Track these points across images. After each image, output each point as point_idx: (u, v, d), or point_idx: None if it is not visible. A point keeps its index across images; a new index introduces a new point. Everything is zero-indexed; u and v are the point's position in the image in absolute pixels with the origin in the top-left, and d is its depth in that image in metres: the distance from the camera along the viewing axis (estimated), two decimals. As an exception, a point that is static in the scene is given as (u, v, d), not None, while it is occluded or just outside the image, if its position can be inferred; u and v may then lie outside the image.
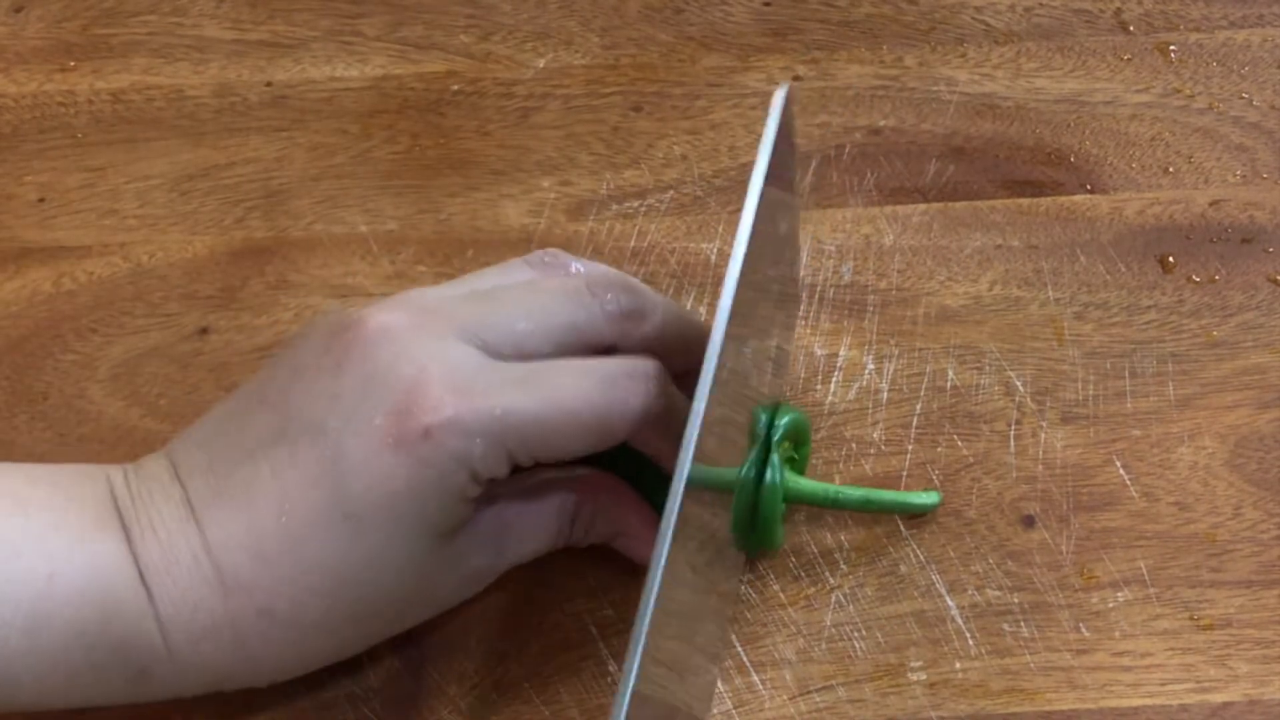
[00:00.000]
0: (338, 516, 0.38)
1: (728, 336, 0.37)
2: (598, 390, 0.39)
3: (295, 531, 0.38)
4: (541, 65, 0.57)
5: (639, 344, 0.42)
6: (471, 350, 0.39)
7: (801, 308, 0.52)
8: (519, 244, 0.54)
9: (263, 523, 0.38)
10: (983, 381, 0.50)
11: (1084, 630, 0.46)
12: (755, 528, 0.45)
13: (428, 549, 0.39)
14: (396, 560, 0.39)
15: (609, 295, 0.41)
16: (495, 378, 0.39)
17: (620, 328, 0.41)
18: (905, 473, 0.49)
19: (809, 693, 0.45)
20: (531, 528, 0.42)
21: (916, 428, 0.50)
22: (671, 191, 0.54)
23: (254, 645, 0.39)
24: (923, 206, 0.54)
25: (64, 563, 0.38)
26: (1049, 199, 0.54)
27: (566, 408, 0.38)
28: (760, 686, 0.45)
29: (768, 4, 0.59)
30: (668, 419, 0.40)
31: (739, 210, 0.54)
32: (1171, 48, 0.57)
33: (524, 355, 0.40)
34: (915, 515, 0.48)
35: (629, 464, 0.44)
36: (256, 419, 0.40)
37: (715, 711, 0.45)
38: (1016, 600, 0.47)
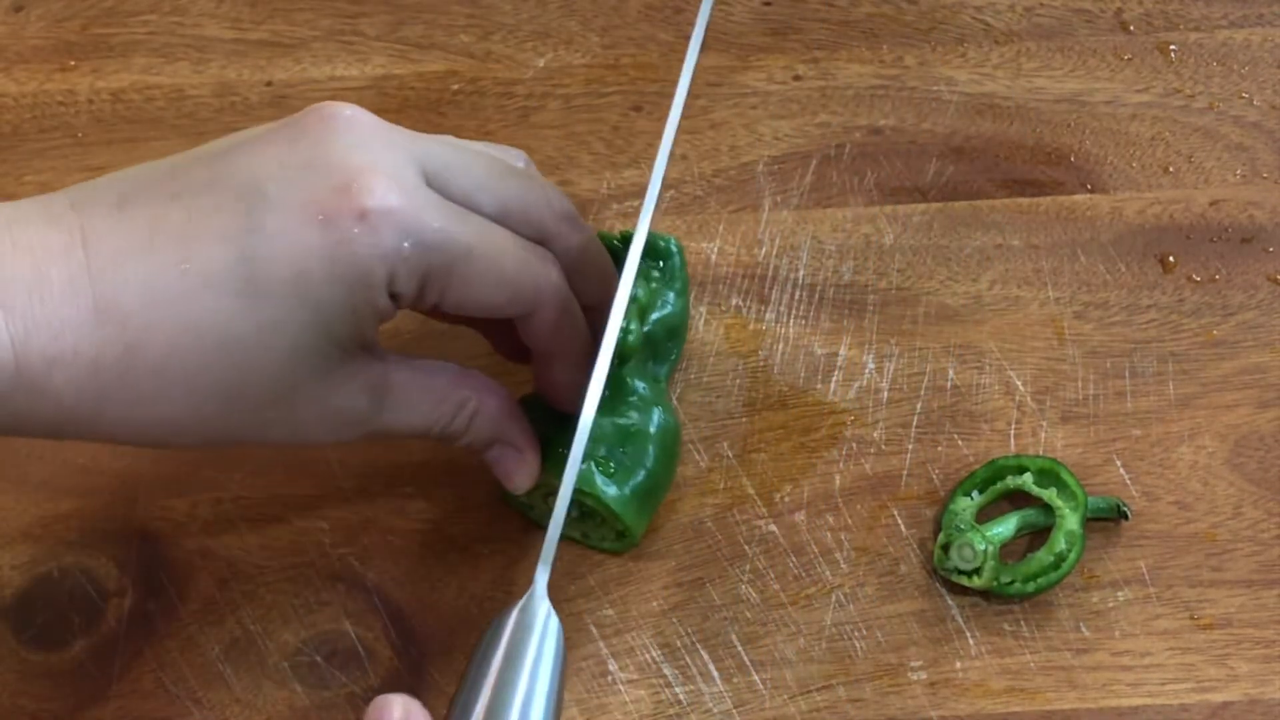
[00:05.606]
0: (239, 281, 0.36)
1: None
2: (524, 251, 0.40)
3: (192, 283, 0.36)
4: (541, 65, 0.57)
5: (565, 251, 0.42)
6: (422, 179, 0.39)
7: (802, 307, 0.52)
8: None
9: (161, 263, 0.36)
10: (983, 381, 0.50)
11: (1084, 630, 0.46)
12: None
13: (313, 351, 0.38)
14: (281, 347, 0.37)
15: (556, 194, 0.43)
16: (439, 204, 0.39)
17: (558, 226, 0.42)
18: (906, 472, 0.49)
19: (809, 692, 0.45)
20: (417, 397, 0.41)
21: (917, 427, 0.50)
22: (672, 191, 0.54)
23: (109, 383, 0.36)
24: (922, 206, 0.54)
25: None
26: (1049, 199, 0.54)
27: (496, 252, 0.39)
28: (760, 686, 0.45)
29: (768, 3, 0.59)
30: (572, 321, 0.42)
31: (740, 210, 0.54)
32: (1172, 47, 0.57)
33: (469, 206, 0.40)
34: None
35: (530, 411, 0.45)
36: (191, 171, 0.38)
37: (715, 710, 0.45)
38: (1017, 599, 0.47)
